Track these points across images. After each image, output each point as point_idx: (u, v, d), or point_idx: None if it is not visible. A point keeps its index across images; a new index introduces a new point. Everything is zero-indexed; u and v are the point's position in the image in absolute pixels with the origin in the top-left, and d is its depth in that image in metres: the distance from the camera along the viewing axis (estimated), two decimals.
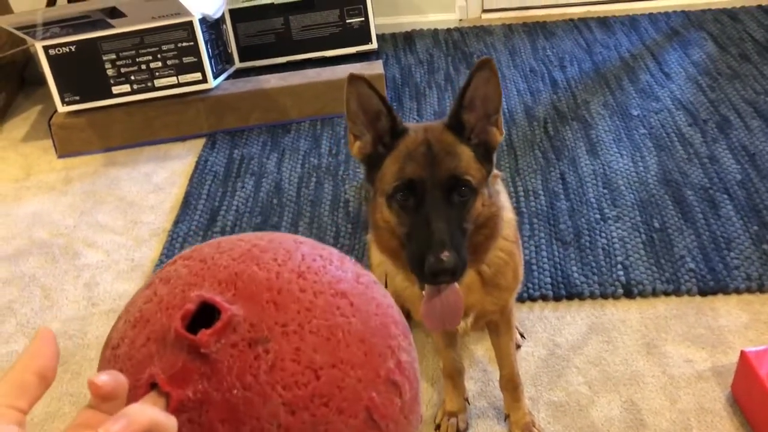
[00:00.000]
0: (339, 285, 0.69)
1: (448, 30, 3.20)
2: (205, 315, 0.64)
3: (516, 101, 2.65)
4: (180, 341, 0.62)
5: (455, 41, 3.11)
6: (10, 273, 2.14)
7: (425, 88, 2.80)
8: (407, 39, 3.18)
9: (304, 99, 2.67)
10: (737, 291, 1.79)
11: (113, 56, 2.57)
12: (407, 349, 0.71)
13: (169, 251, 2.11)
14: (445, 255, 1.08)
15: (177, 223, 2.23)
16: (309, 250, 0.72)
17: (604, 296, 1.82)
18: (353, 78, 1.18)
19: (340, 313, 0.66)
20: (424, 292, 1.19)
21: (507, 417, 1.56)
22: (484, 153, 1.21)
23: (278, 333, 0.63)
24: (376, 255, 1.44)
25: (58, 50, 2.54)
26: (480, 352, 1.74)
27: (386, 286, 1.43)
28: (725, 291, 1.80)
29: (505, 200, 1.32)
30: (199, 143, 2.63)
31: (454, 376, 1.56)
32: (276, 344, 0.62)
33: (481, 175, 1.19)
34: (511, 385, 1.53)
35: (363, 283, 0.72)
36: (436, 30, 3.21)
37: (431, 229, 1.11)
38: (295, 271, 0.68)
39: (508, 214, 1.31)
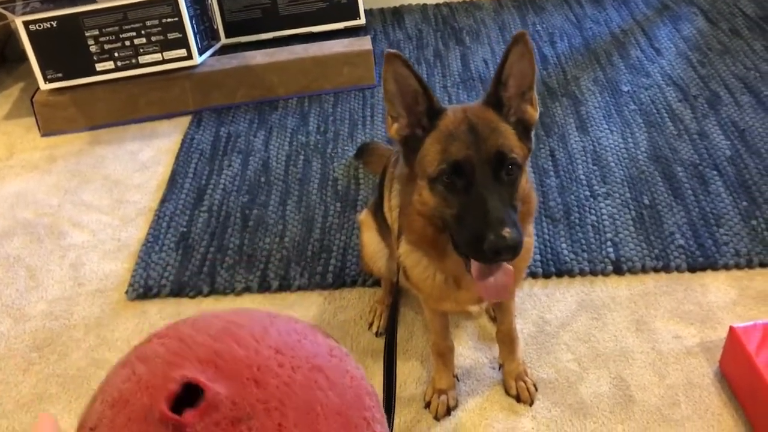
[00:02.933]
0: (315, 359, 0.71)
1: (437, 5, 3.16)
2: (186, 392, 0.65)
3: None
4: (165, 422, 0.63)
5: (444, 16, 3.07)
6: None
7: (414, 65, 2.75)
8: (395, 14, 3.14)
9: (292, 75, 2.64)
10: (726, 267, 1.79)
11: (96, 32, 2.52)
12: (380, 420, 0.74)
13: (155, 230, 2.09)
14: (507, 231, 1.09)
15: (163, 202, 2.20)
16: (284, 325, 0.74)
17: (594, 273, 1.82)
18: (391, 57, 1.17)
19: (318, 387, 0.68)
20: (472, 272, 1.18)
21: (501, 366, 1.59)
22: (523, 130, 1.21)
23: (260, 410, 0.64)
24: (373, 243, 1.43)
25: (39, 26, 2.49)
26: (470, 329, 1.73)
27: (398, 280, 1.42)
28: (714, 267, 1.80)
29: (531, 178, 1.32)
30: (185, 121, 2.59)
31: (445, 353, 1.56)
32: (258, 421, 0.64)
33: (523, 153, 1.19)
34: (508, 338, 1.56)
35: (336, 356, 0.74)
36: (425, 5, 3.17)
37: (487, 207, 1.11)
38: (272, 347, 0.69)
39: (533, 192, 1.30)
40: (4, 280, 2.01)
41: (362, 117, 2.52)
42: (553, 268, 1.83)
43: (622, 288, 1.78)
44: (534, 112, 1.22)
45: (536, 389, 1.56)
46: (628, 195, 2.03)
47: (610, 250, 1.86)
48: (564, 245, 1.89)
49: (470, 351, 1.67)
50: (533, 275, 1.82)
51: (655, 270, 1.81)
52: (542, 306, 1.76)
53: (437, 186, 1.17)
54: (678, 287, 1.76)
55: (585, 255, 1.86)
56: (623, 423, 1.48)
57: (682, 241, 1.86)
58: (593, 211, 1.99)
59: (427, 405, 1.55)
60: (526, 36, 1.15)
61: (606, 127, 2.31)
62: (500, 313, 1.56)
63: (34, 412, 1.64)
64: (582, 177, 2.11)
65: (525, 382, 1.55)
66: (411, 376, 1.63)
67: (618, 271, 1.81)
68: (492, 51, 2.79)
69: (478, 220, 1.11)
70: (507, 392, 1.56)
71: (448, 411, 1.54)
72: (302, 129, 2.48)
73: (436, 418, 1.53)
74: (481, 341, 1.69)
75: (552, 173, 2.14)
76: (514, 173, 1.16)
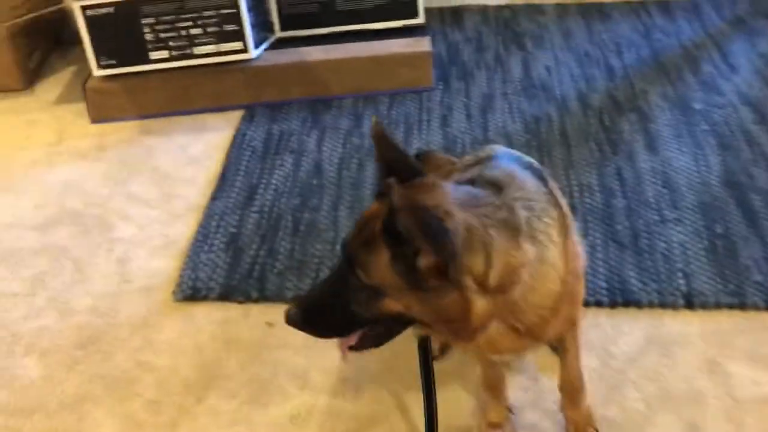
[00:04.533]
0: None
1: (498, 7, 3.05)
2: None
3: (569, 87, 2.52)
4: None
5: (505, 19, 2.97)
6: (41, 243, 2.07)
7: (473, 69, 2.67)
8: (455, 14, 3.04)
9: (347, 74, 2.56)
10: None
11: (152, 20, 2.46)
12: None
13: (205, 229, 2.04)
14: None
15: (213, 199, 2.14)
16: None
17: (663, 306, 1.72)
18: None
19: None
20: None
21: (562, 412, 1.48)
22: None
23: None
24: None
25: (96, 11, 2.44)
26: (528, 357, 1.65)
27: None
28: None
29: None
30: (237, 115, 2.54)
31: (495, 384, 1.48)
32: None
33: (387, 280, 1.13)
34: (570, 387, 1.45)
35: None
36: (485, 6, 3.06)
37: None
38: None
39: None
40: (50, 271, 1.98)
41: (418, 121, 2.43)
42: (619, 298, 1.74)
43: (693, 324, 1.68)
44: None
45: None
46: (700, 222, 1.92)
47: (681, 281, 1.76)
48: (632, 273, 1.79)
49: (530, 382, 1.59)
50: (598, 304, 1.73)
51: (730, 307, 1.70)
52: (607, 338, 1.67)
53: None
54: (756, 327, 1.66)
55: (654, 285, 1.76)
56: None
57: (759, 277, 1.75)
58: (663, 238, 1.88)
59: None
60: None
61: (676, 147, 2.20)
62: (562, 355, 1.43)
63: (79, 413, 1.60)
64: (651, 200, 2.01)
65: None
66: (467, 405, 1.55)
67: (689, 305, 1.71)
68: (555, 58, 2.68)
69: None
70: None
71: None
72: (356, 131, 2.40)
73: None
74: (543, 371, 1.61)
75: (619, 194, 2.04)
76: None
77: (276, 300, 1.81)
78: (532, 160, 1.37)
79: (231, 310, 1.81)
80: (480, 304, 1.07)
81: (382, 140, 1.13)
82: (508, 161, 1.30)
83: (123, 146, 2.46)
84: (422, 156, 2.15)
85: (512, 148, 2.19)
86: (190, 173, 2.29)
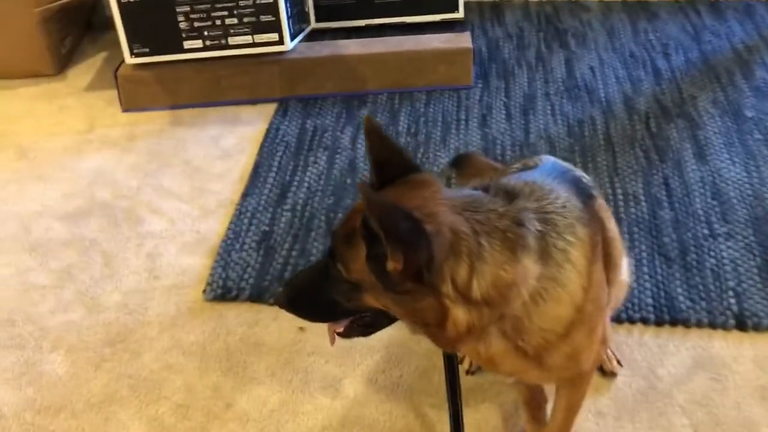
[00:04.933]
0: None
1: (540, 2, 2.96)
2: None
3: (614, 89, 2.43)
4: None
5: (548, 15, 2.88)
6: (71, 234, 2.04)
7: (514, 66, 2.58)
8: (495, 9, 2.95)
9: (384, 69, 2.49)
10: None
11: (187, 8, 2.41)
12: None
13: (236, 226, 1.99)
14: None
15: (246, 195, 2.09)
16: None
17: (713, 326, 1.64)
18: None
19: None
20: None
21: None
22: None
23: None
24: None
25: None
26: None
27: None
28: None
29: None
30: (270, 108, 2.48)
31: (531, 403, 1.42)
32: None
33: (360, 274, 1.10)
34: None
35: None
36: (526, 1, 2.97)
37: None
38: None
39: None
40: (78, 264, 1.94)
41: (456, 120, 2.36)
42: (666, 316, 1.66)
43: (745, 346, 1.60)
44: None
45: None
46: (752, 238, 1.83)
47: (732, 301, 1.68)
48: (680, 290, 1.71)
49: None
50: (644, 321, 1.66)
51: None
52: (654, 358, 1.59)
53: None
54: None
55: (703, 304, 1.68)
56: None
57: None
58: (713, 254, 1.80)
59: None
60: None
61: (727, 156, 2.10)
62: (556, 402, 1.32)
63: (105, 414, 1.57)
64: (700, 212, 1.92)
65: None
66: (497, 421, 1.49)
67: (741, 326, 1.63)
68: (599, 58, 2.59)
69: None
70: None
71: None
72: (392, 128, 2.34)
73: None
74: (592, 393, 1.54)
75: (666, 204, 1.95)
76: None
77: None
78: (583, 175, 1.29)
79: (262, 312, 1.76)
80: (459, 313, 0.99)
81: (375, 135, 1.07)
82: (547, 172, 1.21)
83: (154, 137, 2.41)
84: (461, 159, 2.08)
85: (554, 152, 2.15)
86: (222, 168, 2.25)
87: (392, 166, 1.07)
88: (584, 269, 1.07)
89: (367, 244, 0.98)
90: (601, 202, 1.24)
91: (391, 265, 0.96)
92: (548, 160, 1.34)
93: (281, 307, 1.15)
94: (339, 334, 1.16)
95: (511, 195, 1.07)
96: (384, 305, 1.05)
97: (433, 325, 1.02)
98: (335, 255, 1.06)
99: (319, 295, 1.09)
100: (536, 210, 1.06)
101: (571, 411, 1.32)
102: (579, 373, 1.22)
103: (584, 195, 1.18)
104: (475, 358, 1.14)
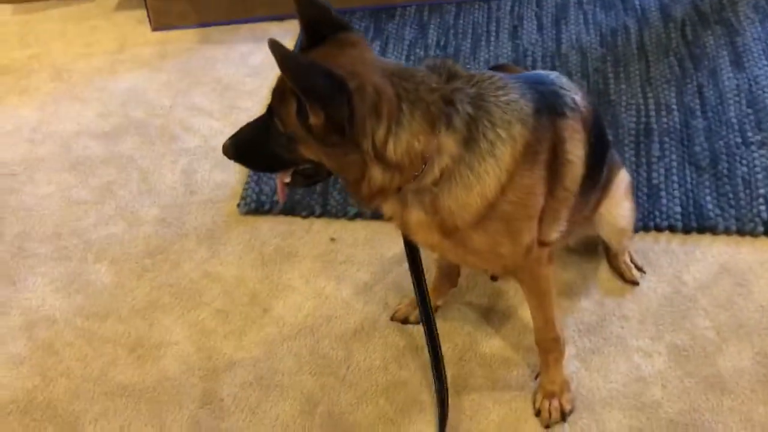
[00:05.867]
0: None
1: None
2: None
3: None
4: None
5: None
6: (109, 152, 2.10)
7: None
8: None
9: None
10: None
11: None
12: None
13: None
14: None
15: None
16: None
17: (741, 233, 1.65)
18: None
19: None
20: None
21: (537, 376, 1.42)
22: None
23: None
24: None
25: None
26: (592, 281, 1.61)
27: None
28: None
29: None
30: (297, 24, 2.45)
31: (444, 269, 1.52)
32: None
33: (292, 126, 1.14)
34: (540, 346, 1.37)
35: None
36: None
37: None
38: None
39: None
40: (118, 180, 2.01)
41: (486, 32, 2.32)
42: (694, 223, 1.67)
43: None
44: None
45: (565, 417, 1.35)
46: None
47: (762, 208, 1.67)
48: (709, 198, 1.71)
49: (595, 306, 1.56)
50: (671, 228, 1.67)
51: None
52: (679, 264, 1.61)
53: None
54: None
55: (732, 211, 1.68)
56: (766, 404, 1.36)
57: None
58: (744, 162, 1.78)
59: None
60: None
61: (766, 63, 2.05)
62: (530, 303, 1.35)
63: (150, 319, 1.66)
64: (734, 120, 1.89)
65: (551, 404, 1.35)
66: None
67: None
68: None
69: None
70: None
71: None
72: (420, 42, 2.31)
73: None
74: (609, 295, 1.58)
75: (699, 114, 1.93)
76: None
77: (338, 216, 1.81)
78: (573, 95, 1.21)
79: (294, 224, 1.82)
80: (375, 172, 1.07)
81: None
82: (522, 78, 1.21)
83: (184, 55, 2.43)
84: (495, 70, 2.07)
85: (586, 62, 2.12)
86: (252, 85, 2.26)
87: (322, 25, 1.11)
88: (508, 168, 1.10)
89: (296, 100, 1.04)
90: (571, 123, 1.18)
91: (312, 119, 1.03)
92: (544, 72, 1.38)
93: (228, 156, 1.19)
94: (287, 184, 1.22)
95: (452, 77, 1.11)
96: (317, 157, 1.11)
97: (355, 182, 1.11)
98: (272, 110, 1.11)
99: (261, 147, 1.16)
100: (472, 96, 1.10)
101: (535, 305, 1.33)
102: (514, 267, 1.26)
103: (549, 107, 1.16)
104: (398, 224, 1.22)
